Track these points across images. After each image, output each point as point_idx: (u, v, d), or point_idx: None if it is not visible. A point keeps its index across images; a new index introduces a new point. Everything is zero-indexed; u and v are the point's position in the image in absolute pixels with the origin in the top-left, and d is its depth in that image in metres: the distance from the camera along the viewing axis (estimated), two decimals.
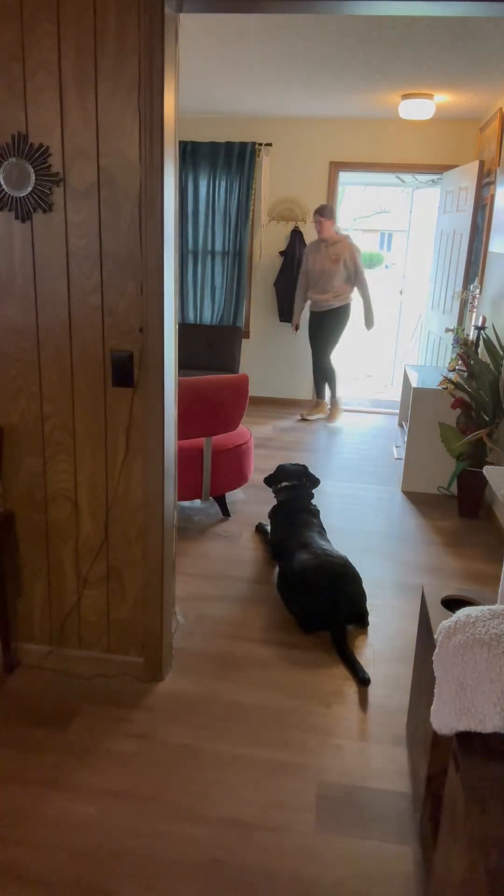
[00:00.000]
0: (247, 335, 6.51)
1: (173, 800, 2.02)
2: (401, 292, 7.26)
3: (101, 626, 2.54)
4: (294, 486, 3.62)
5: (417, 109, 4.80)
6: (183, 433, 3.65)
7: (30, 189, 2.09)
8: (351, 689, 2.55)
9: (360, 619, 2.94)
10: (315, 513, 3.50)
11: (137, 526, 2.40)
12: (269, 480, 3.78)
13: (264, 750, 2.23)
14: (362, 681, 2.56)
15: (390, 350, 8.62)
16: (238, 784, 2.09)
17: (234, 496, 4.30)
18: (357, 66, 4.04)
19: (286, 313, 6.27)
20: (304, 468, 3.75)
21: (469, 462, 4.06)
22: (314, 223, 5.63)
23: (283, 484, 3.66)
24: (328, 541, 3.27)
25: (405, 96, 4.76)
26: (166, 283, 2.16)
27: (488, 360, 4.16)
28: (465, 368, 4.19)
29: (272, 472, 3.81)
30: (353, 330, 6.23)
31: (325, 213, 5.54)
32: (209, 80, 4.55)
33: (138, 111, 2.00)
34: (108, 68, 1.97)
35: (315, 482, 3.71)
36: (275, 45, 3.68)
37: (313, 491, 3.70)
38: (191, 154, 6.00)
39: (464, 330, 4.79)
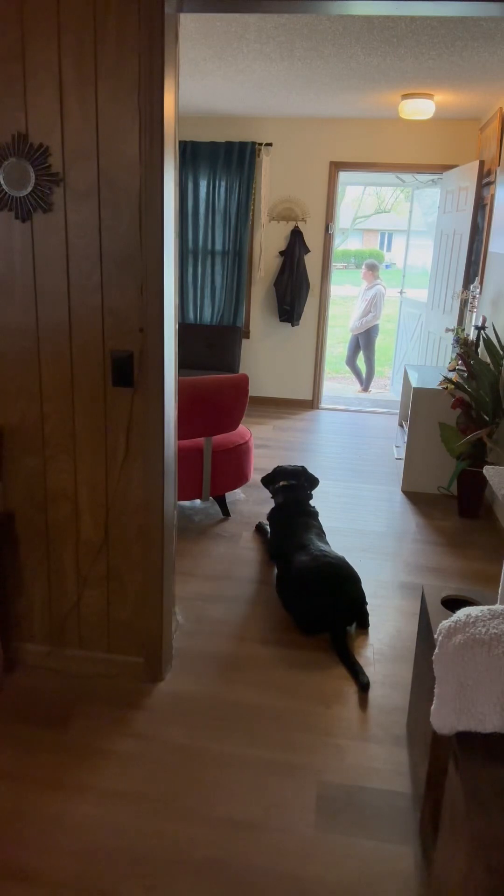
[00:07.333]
0: (247, 335, 6.51)
1: (173, 800, 2.03)
2: (401, 292, 7.25)
3: (101, 626, 2.54)
4: (291, 487, 3.57)
5: (417, 109, 4.79)
6: (183, 433, 3.65)
7: (30, 189, 2.09)
8: (351, 689, 2.55)
9: (360, 620, 2.94)
10: (314, 514, 3.47)
11: (137, 526, 2.40)
12: (267, 481, 3.75)
13: (264, 750, 2.23)
14: (362, 685, 2.55)
15: (390, 350, 8.61)
16: (238, 784, 2.09)
17: (234, 496, 4.30)
18: (357, 66, 4.04)
19: (286, 313, 6.27)
20: (303, 468, 3.71)
21: (469, 462, 4.06)
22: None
23: (281, 484, 3.61)
24: (327, 543, 3.26)
25: (405, 96, 4.76)
26: (166, 283, 2.16)
27: (488, 360, 4.16)
28: (465, 368, 4.19)
29: (269, 472, 3.78)
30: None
31: None
32: (209, 79, 4.55)
33: (138, 111, 2.00)
34: (108, 68, 1.97)
35: (314, 482, 3.68)
36: (275, 45, 3.68)
37: (312, 492, 3.67)
38: (191, 154, 6.00)
39: (464, 330, 4.79)
